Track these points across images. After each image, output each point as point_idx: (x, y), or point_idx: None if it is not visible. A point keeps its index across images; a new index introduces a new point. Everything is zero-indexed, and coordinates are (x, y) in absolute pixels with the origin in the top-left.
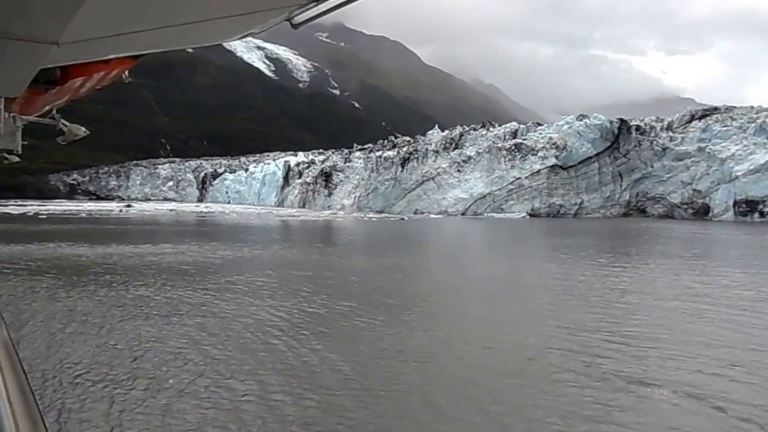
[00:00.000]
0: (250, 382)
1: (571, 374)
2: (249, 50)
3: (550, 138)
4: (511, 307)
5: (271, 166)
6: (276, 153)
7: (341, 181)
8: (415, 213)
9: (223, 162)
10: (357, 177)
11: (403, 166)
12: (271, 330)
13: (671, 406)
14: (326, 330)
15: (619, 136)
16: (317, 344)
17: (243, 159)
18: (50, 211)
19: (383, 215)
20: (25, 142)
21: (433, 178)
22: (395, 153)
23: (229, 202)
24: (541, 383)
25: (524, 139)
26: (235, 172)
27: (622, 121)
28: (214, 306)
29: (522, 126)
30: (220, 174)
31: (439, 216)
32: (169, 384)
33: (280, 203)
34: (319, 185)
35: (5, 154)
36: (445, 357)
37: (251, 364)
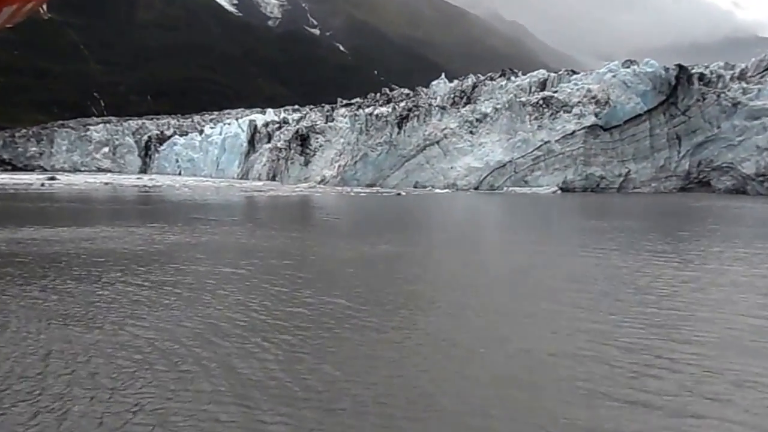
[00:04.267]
0: (186, 421)
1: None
2: None
3: (589, 90)
4: (544, 311)
5: (233, 126)
6: (239, 110)
7: (321, 145)
8: (415, 187)
9: (172, 122)
10: (341, 141)
11: (400, 127)
12: (228, 341)
13: None
14: (303, 338)
15: (677, 88)
16: (290, 359)
17: (197, 118)
18: None
19: (374, 189)
20: None
21: (438, 142)
22: (390, 110)
23: (179, 174)
24: None
25: (555, 92)
26: (186, 134)
27: (681, 67)
28: (155, 307)
29: (552, 75)
30: (168, 137)
31: (446, 191)
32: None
33: (244, 174)
34: (293, 151)
35: None
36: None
37: (191, 391)
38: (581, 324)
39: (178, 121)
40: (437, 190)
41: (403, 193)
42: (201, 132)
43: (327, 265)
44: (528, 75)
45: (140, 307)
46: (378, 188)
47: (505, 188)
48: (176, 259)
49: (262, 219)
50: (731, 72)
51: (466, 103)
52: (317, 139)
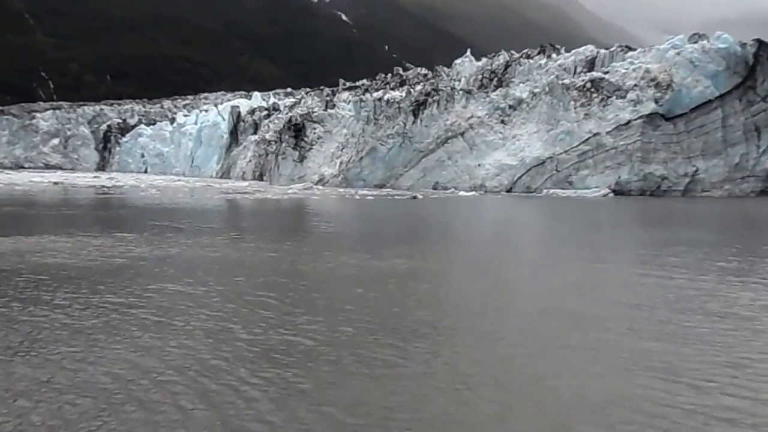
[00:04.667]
0: None
1: None
2: None
3: (647, 70)
4: (595, 342)
5: (211, 114)
6: (218, 94)
7: (319, 138)
8: (434, 188)
9: (137, 108)
10: (344, 132)
11: (415, 115)
12: (208, 377)
13: None
14: (299, 375)
15: (756, 68)
16: (283, 401)
17: (167, 104)
18: None
19: (384, 192)
20: None
21: (462, 134)
22: (404, 94)
23: (145, 171)
24: None
25: (606, 73)
26: (154, 124)
27: (761, 43)
28: (118, 336)
29: (603, 52)
30: (132, 127)
31: (472, 193)
32: None
33: (225, 173)
34: (285, 144)
35: None
36: None
37: None
38: (641, 358)
39: (144, 107)
40: (461, 193)
41: (420, 197)
42: (172, 121)
43: (327, 284)
44: (573, 52)
45: (100, 336)
46: (389, 190)
47: (544, 191)
48: (142, 276)
49: (246, 227)
50: None
51: (496, 87)
52: (314, 129)
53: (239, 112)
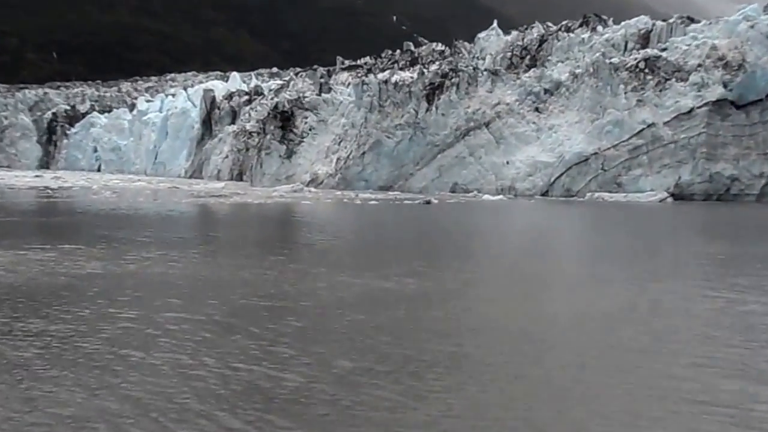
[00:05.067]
0: None
1: None
2: None
3: (714, 47)
4: (652, 375)
5: (180, 99)
6: (189, 75)
7: (312, 129)
8: (453, 191)
9: (89, 92)
10: (342, 122)
11: (430, 102)
12: (178, 425)
13: None
14: (288, 420)
15: None
16: None
17: (126, 86)
18: None
19: (392, 195)
20: None
21: (487, 125)
22: (416, 75)
23: (99, 170)
24: None
25: (663, 50)
26: (110, 111)
27: None
28: (63, 374)
29: (660, 24)
30: (83, 115)
31: (499, 198)
32: None
33: (197, 171)
34: (270, 137)
35: None
36: None
37: None
38: (710, 399)
39: (98, 90)
40: (486, 197)
41: (435, 201)
42: (132, 107)
43: (320, 309)
44: (623, 24)
45: (38, 372)
46: (396, 193)
47: (587, 194)
48: (94, 298)
49: (222, 239)
50: None
51: (529, 66)
52: (306, 118)
53: (213, 97)
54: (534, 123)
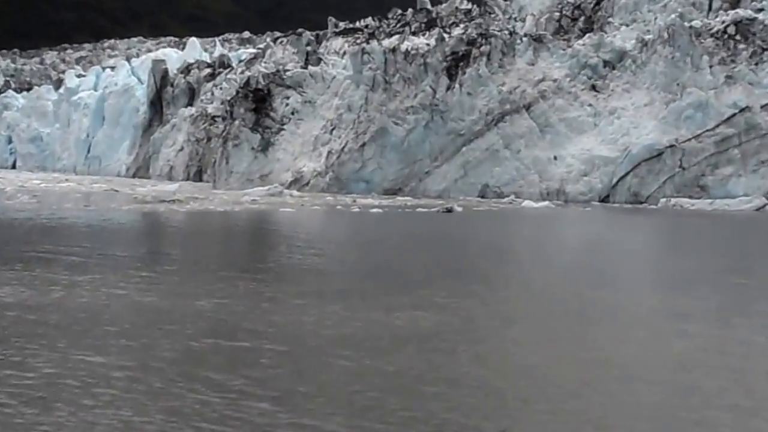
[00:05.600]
0: None
1: None
2: None
3: None
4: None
5: (121, 73)
6: (133, 41)
7: (296, 112)
8: (483, 196)
9: (3, 64)
10: (336, 103)
11: (452, 77)
12: None
13: None
14: None
15: None
16: None
17: (51, 56)
18: None
19: (400, 200)
20: None
21: (527, 108)
22: (434, 42)
23: (14, 166)
24: None
25: (760, 11)
26: (29, 89)
27: None
28: None
29: None
30: None
31: (544, 204)
32: None
33: (142, 168)
34: (240, 123)
35: None
36: None
37: None
38: None
39: (14, 62)
40: (527, 204)
41: (459, 209)
42: (58, 84)
43: (303, 350)
44: None
45: None
46: (407, 198)
47: (661, 200)
48: (8, 336)
49: (176, 258)
50: None
51: (584, 31)
52: (287, 99)
53: (165, 71)
54: (590, 106)
